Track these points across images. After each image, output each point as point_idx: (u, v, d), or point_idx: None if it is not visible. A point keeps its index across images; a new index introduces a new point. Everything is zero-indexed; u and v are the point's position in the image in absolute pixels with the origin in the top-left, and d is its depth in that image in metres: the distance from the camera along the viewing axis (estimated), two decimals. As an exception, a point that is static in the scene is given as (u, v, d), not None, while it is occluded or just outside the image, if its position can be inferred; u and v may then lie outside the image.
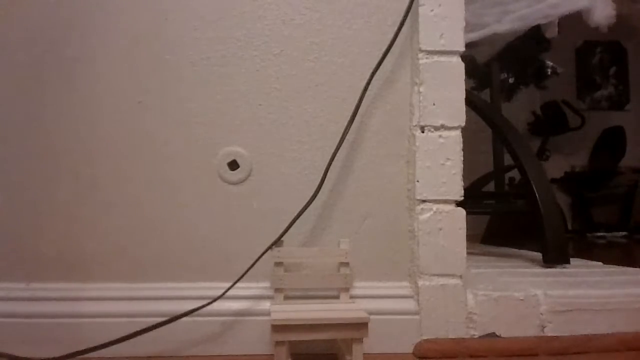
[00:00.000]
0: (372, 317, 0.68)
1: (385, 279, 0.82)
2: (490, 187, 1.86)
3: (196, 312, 0.73)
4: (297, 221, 0.77)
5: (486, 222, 2.28)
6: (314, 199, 0.78)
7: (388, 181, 0.83)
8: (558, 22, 1.55)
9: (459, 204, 0.80)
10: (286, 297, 0.78)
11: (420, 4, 0.81)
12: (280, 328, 0.67)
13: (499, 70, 1.75)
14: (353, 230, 0.82)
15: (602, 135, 3.74)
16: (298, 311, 0.72)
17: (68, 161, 0.80)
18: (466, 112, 0.81)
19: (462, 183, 0.80)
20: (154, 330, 0.71)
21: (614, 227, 3.42)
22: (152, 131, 0.81)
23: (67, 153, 0.80)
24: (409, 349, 0.77)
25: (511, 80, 1.83)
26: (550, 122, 3.60)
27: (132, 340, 0.70)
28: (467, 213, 0.80)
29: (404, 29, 0.81)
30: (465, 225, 0.80)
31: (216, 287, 0.76)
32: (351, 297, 0.79)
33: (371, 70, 0.81)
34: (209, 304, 0.73)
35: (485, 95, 1.76)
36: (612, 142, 3.66)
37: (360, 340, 0.68)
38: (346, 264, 0.79)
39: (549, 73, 1.81)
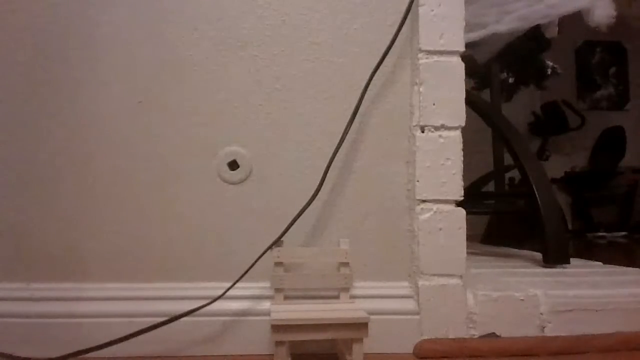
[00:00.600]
0: (372, 317, 0.68)
1: (385, 279, 0.82)
2: (490, 187, 1.86)
3: (196, 312, 0.73)
4: (297, 221, 0.77)
5: (486, 222, 2.29)
6: (314, 199, 0.78)
7: (388, 181, 0.83)
8: (558, 22, 1.55)
9: (459, 204, 0.80)
10: (286, 297, 0.78)
11: (420, 4, 0.81)
12: (280, 328, 0.67)
13: (499, 70, 1.75)
14: (353, 230, 0.82)
15: (602, 135, 3.74)
16: (298, 311, 0.72)
17: (68, 161, 0.80)
18: (466, 112, 0.81)
19: (462, 183, 0.80)
20: (154, 330, 0.71)
21: (614, 227, 3.42)
22: (152, 131, 0.81)
23: (67, 153, 0.80)
24: (409, 349, 0.77)
25: (511, 80, 1.83)
26: (550, 122, 3.60)
27: (132, 340, 0.70)
28: (467, 213, 0.80)
29: (404, 29, 0.81)
30: (465, 225, 0.80)
31: (216, 287, 0.76)
32: (351, 297, 0.79)
33: (371, 70, 0.81)
34: (209, 304, 0.73)
35: (485, 95, 1.76)
36: (612, 142, 3.66)
37: (360, 340, 0.68)
38: (346, 264, 0.79)
39: (549, 73, 1.81)
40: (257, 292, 0.79)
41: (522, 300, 0.80)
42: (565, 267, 1.17)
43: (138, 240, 0.80)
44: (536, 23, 1.49)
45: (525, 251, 1.55)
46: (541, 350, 0.76)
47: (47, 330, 0.75)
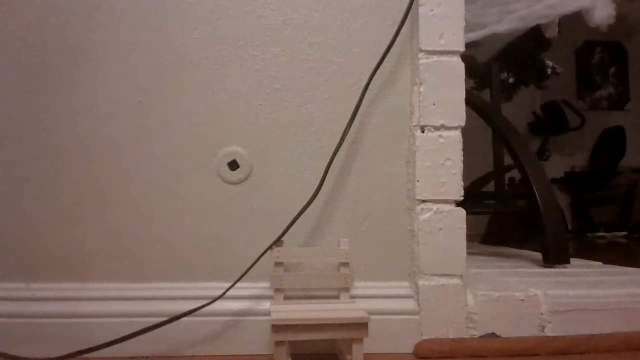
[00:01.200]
0: (372, 317, 0.68)
1: (385, 279, 0.82)
2: (490, 187, 1.86)
3: (196, 312, 0.73)
4: (297, 221, 0.77)
5: (486, 222, 2.29)
6: (314, 199, 0.78)
7: (388, 181, 0.83)
8: (558, 22, 1.55)
9: (459, 204, 0.80)
10: (286, 297, 0.78)
11: (420, 4, 0.81)
12: (280, 328, 0.67)
13: (499, 70, 1.75)
14: (353, 230, 0.82)
15: (602, 135, 3.74)
16: (298, 311, 0.72)
17: (68, 161, 0.80)
18: (466, 112, 0.81)
19: (462, 183, 0.80)
20: (154, 330, 0.71)
21: (614, 227, 3.42)
22: (152, 131, 0.81)
23: (67, 153, 0.80)
24: (409, 349, 0.77)
25: (511, 80, 1.83)
26: (550, 122, 3.60)
27: (132, 340, 0.70)
28: (467, 213, 0.80)
29: (404, 29, 0.81)
30: (465, 225, 0.80)
31: (216, 287, 0.76)
32: (351, 297, 0.79)
33: (371, 70, 0.81)
34: (209, 304, 0.73)
35: (485, 95, 1.76)
36: (612, 142, 3.66)
37: (360, 340, 0.68)
38: (346, 264, 0.79)
39: (549, 73, 1.81)
40: (257, 292, 0.79)
41: (522, 300, 0.80)
42: (565, 267, 1.17)
43: (138, 240, 0.80)
44: (536, 23, 1.49)
45: (525, 251, 1.55)
46: (541, 350, 0.76)
47: (47, 330, 0.75)
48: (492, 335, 0.79)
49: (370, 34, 0.83)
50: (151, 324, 0.71)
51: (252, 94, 0.82)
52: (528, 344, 0.77)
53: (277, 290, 0.77)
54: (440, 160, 0.80)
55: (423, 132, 0.80)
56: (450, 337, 0.78)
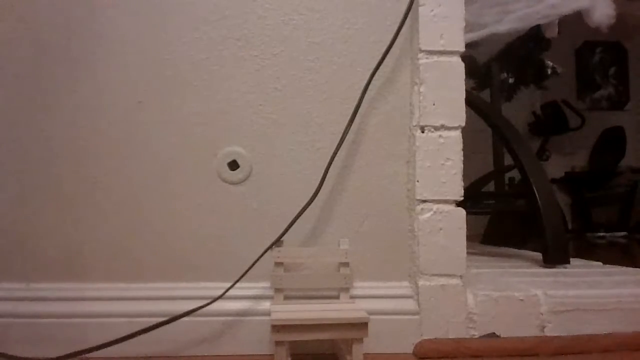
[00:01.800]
0: (372, 317, 0.68)
1: (385, 279, 0.82)
2: (491, 187, 1.86)
3: (196, 312, 0.73)
4: (297, 221, 0.77)
5: (486, 222, 2.29)
6: (314, 199, 0.78)
7: (388, 181, 0.83)
8: (558, 22, 1.55)
9: (459, 204, 0.80)
10: (286, 297, 0.78)
11: (420, 4, 0.81)
12: (280, 328, 0.67)
13: (499, 70, 1.75)
14: (353, 230, 0.82)
15: (602, 135, 3.74)
16: (298, 311, 0.72)
17: (68, 161, 0.80)
18: (466, 112, 0.81)
19: (462, 183, 0.80)
20: (154, 330, 0.71)
21: (614, 227, 3.42)
22: (152, 131, 0.81)
23: (67, 153, 0.80)
24: (409, 349, 0.77)
25: (511, 80, 1.83)
26: (550, 122, 3.60)
27: (132, 340, 0.70)
28: (467, 213, 0.80)
29: (404, 29, 0.81)
30: (465, 225, 0.80)
31: (216, 287, 0.76)
32: (351, 297, 0.79)
33: (371, 70, 0.81)
34: (209, 304, 0.73)
35: (485, 95, 1.76)
36: (612, 142, 3.66)
37: (360, 340, 0.68)
38: (346, 264, 0.79)
39: (549, 73, 1.81)
40: (257, 292, 0.79)
41: (522, 300, 0.80)
42: (565, 267, 1.17)
43: (138, 241, 0.80)
44: (536, 23, 1.49)
45: (525, 251, 1.55)
46: (541, 350, 0.76)
47: (47, 330, 0.75)
48: (492, 335, 0.79)
49: (370, 34, 0.83)
50: (151, 324, 0.71)
51: (252, 94, 0.82)
52: (528, 344, 0.77)
53: (277, 290, 0.77)
54: (440, 160, 0.80)
55: (423, 132, 0.80)
56: (450, 337, 0.78)
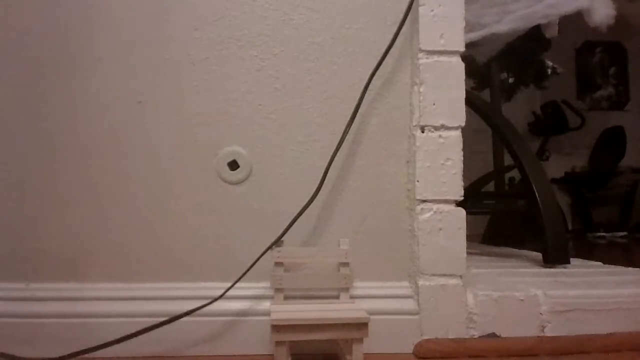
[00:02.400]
0: (372, 317, 0.68)
1: (385, 279, 0.82)
2: (490, 187, 1.86)
3: (196, 312, 0.73)
4: (297, 221, 0.77)
5: (486, 222, 2.29)
6: (314, 199, 0.78)
7: (388, 181, 0.83)
8: (558, 22, 1.55)
9: (459, 204, 0.80)
10: (286, 297, 0.78)
11: (420, 4, 0.81)
12: (280, 328, 0.67)
13: (499, 70, 1.75)
14: (353, 230, 0.82)
15: (602, 135, 3.74)
16: (298, 311, 0.72)
17: (68, 161, 0.80)
18: (466, 112, 0.81)
19: (462, 183, 0.80)
20: (154, 330, 0.71)
21: (614, 227, 3.42)
22: (152, 131, 0.81)
23: (67, 153, 0.80)
24: (409, 349, 0.77)
25: (511, 80, 1.83)
26: (550, 122, 3.60)
27: (132, 340, 0.70)
28: (467, 213, 0.80)
29: (404, 29, 0.81)
30: (465, 225, 0.80)
31: (216, 287, 0.76)
32: (351, 297, 0.79)
33: (371, 71, 0.81)
34: (209, 304, 0.73)
35: (485, 95, 1.76)
36: (612, 142, 3.66)
37: (360, 340, 0.68)
38: (346, 264, 0.79)
39: (549, 73, 1.81)
40: (257, 292, 0.79)
41: (522, 300, 0.80)
42: (565, 267, 1.17)
43: (138, 240, 0.80)
44: (536, 23, 1.49)
45: (525, 251, 1.55)
46: (541, 350, 0.76)
47: (47, 330, 0.75)
48: (492, 335, 0.79)
49: (370, 34, 0.83)
50: (151, 324, 0.71)
51: (252, 94, 0.82)
52: (528, 344, 0.77)
53: (277, 290, 0.77)
54: (440, 160, 0.80)
55: (423, 132, 0.80)
56: (450, 337, 0.78)
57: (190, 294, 0.77)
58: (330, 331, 0.68)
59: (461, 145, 0.81)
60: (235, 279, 0.75)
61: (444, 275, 0.79)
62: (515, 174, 1.68)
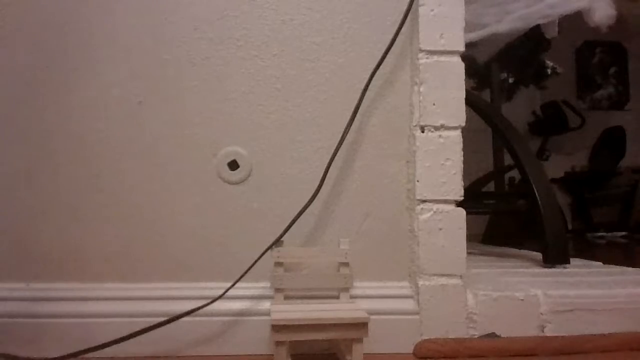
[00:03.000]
0: (372, 317, 0.68)
1: (385, 279, 0.82)
2: (491, 187, 1.86)
3: (196, 312, 0.73)
4: (297, 221, 0.77)
5: (486, 222, 2.28)
6: (314, 199, 0.78)
7: (388, 181, 0.83)
8: (558, 22, 1.55)
9: (459, 204, 0.80)
10: (286, 297, 0.78)
11: (420, 4, 0.81)
12: (280, 328, 0.67)
13: (499, 70, 1.75)
14: (353, 230, 0.82)
15: (602, 135, 3.74)
16: (298, 311, 0.72)
17: (68, 161, 0.80)
18: (466, 112, 0.81)
19: (462, 183, 0.80)
20: (154, 330, 0.71)
21: (614, 227, 3.42)
22: (152, 131, 0.81)
23: (67, 153, 0.80)
24: (409, 349, 0.77)
25: (511, 80, 1.83)
26: (550, 122, 3.60)
27: (132, 340, 0.70)
28: (467, 213, 0.80)
29: (404, 29, 0.81)
30: (465, 225, 0.80)
31: (216, 287, 0.76)
32: (351, 297, 0.79)
33: (371, 70, 0.81)
34: (209, 304, 0.73)
35: (485, 95, 1.76)
36: (612, 142, 3.66)
37: (360, 340, 0.68)
38: (346, 264, 0.79)
39: (549, 73, 1.81)
40: (257, 292, 0.79)
41: (522, 300, 0.80)
42: (565, 267, 1.17)
43: (138, 240, 0.80)
44: (536, 23, 1.49)
45: (525, 251, 1.55)
46: (541, 350, 0.76)
47: (47, 330, 0.75)
48: (492, 335, 0.79)
49: (370, 34, 0.83)
50: (151, 324, 0.71)
51: (252, 94, 0.82)
52: (528, 344, 0.77)
53: (277, 290, 0.77)
54: (440, 160, 0.80)
55: (423, 132, 0.80)
56: (450, 337, 0.78)
57: (190, 294, 0.77)
58: (330, 331, 0.68)
59: (461, 145, 0.81)
60: (235, 279, 0.75)
61: (444, 275, 0.79)
62: (515, 174, 1.67)
